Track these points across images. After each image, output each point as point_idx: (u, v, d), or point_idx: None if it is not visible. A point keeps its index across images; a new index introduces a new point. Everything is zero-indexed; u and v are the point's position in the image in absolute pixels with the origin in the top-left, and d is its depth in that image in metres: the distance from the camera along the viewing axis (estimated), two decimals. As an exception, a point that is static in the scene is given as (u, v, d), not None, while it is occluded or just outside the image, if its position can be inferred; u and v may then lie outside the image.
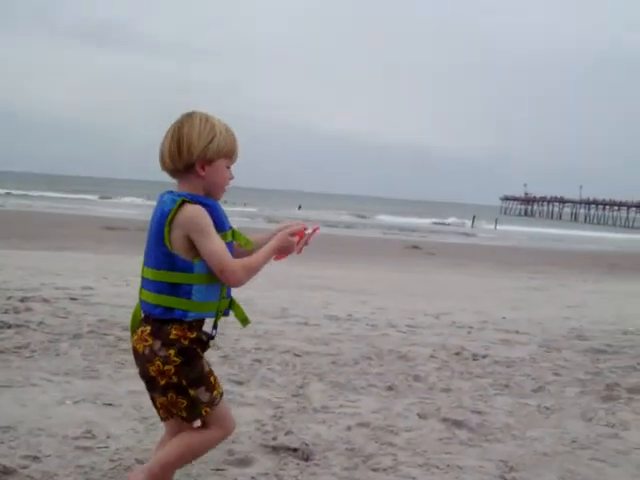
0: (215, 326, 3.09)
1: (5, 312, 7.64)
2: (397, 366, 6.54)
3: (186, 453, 3.07)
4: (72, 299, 8.92)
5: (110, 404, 4.91)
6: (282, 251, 3.05)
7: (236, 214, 40.17)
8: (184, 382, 2.90)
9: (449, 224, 64.74)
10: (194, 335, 2.94)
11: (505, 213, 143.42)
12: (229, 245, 2.98)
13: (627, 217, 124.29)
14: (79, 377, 5.53)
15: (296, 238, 3.08)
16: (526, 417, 5.23)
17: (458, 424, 4.94)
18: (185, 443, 3.04)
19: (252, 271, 2.94)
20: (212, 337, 3.09)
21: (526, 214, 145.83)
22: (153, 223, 2.94)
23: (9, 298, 8.49)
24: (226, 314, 3.11)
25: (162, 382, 2.91)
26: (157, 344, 2.88)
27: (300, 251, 3.13)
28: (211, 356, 6.35)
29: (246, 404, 5.10)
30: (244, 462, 3.98)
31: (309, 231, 3.13)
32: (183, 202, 2.86)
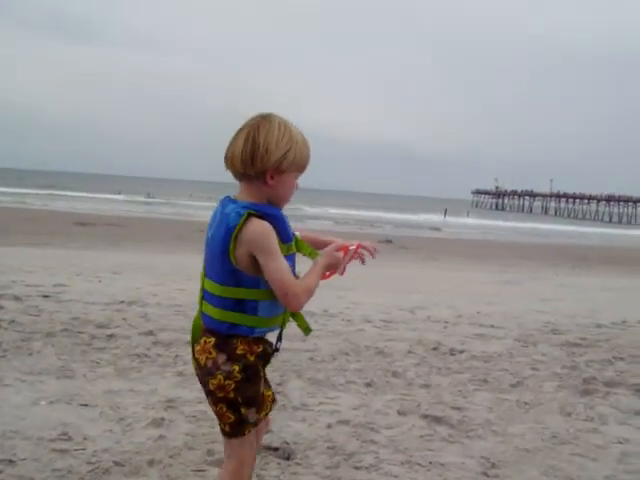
0: (279, 338, 2.97)
1: (-25, 311, 7.50)
2: (375, 362, 6.51)
3: None
4: (44, 296, 8.78)
5: (86, 405, 4.83)
6: (331, 267, 2.97)
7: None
8: (240, 399, 2.80)
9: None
10: (260, 349, 2.84)
11: (477, 206, 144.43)
12: (293, 256, 2.90)
13: (597, 210, 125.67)
14: (53, 377, 5.44)
15: (341, 253, 3.00)
16: (506, 412, 5.23)
17: (438, 420, 4.92)
18: None
19: (311, 293, 2.83)
20: (277, 349, 2.97)
21: (497, 208, 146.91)
22: (216, 237, 2.78)
23: (-21, 296, 8.34)
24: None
25: (219, 395, 2.81)
26: (222, 357, 2.78)
27: (343, 272, 3.04)
28: (187, 354, 6.28)
29: (224, 403, 5.04)
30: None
31: (352, 247, 3.03)
32: (249, 215, 2.71)
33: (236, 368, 2.76)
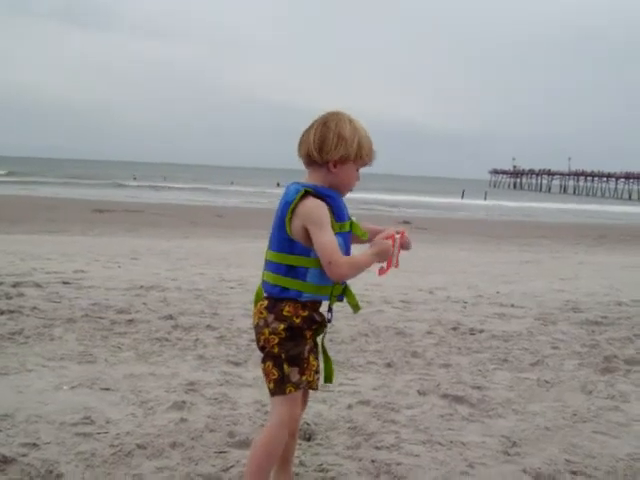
0: (330, 310, 3.21)
1: (-3, 298, 7.57)
2: (394, 342, 6.52)
3: (261, 458, 3.13)
4: (64, 283, 8.85)
5: (108, 389, 4.86)
6: (383, 254, 3.17)
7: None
8: (283, 355, 3.08)
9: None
10: (306, 313, 3.12)
11: (494, 186, 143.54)
12: (347, 235, 3.18)
13: (615, 188, 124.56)
14: (75, 362, 5.48)
15: (389, 242, 3.21)
16: (526, 391, 5.22)
17: (459, 400, 4.92)
18: (255, 453, 3.14)
19: (356, 269, 3.08)
20: (329, 320, 3.23)
21: (515, 187, 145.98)
22: (278, 211, 3.11)
23: (0, 284, 8.41)
24: (340, 300, 3.26)
25: (266, 350, 3.12)
26: (270, 317, 3.10)
27: (397, 265, 3.28)
28: (207, 337, 6.33)
29: (245, 385, 5.07)
30: (246, 444, 3.94)
31: (398, 235, 3.27)
32: (306, 193, 3.05)
33: (281, 326, 3.08)
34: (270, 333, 3.08)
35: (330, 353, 5.80)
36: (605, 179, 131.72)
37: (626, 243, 23.73)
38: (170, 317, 7.08)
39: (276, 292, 3.10)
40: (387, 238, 3.22)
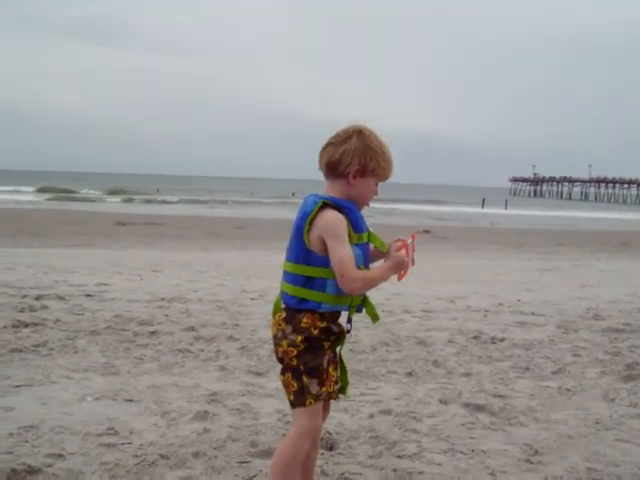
0: (349, 320, 3.23)
1: (21, 311, 7.66)
2: (416, 352, 6.52)
3: (282, 467, 3.14)
4: (87, 295, 8.93)
5: (131, 400, 4.91)
6: (398, 267, 3.19)
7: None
8: (302, 367, 3.09)
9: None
10: (324, 324, 3.11)
11: (515, 194, 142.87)
12: (365, 246, 3.18)
13: (637, 195, 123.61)
14: (98, 373, 5.54)
15: (403, 251, 3.22)
16: (548, 399, 5.21)
17: (480, 408, 4.92)
18: (277, 462, 3.14)
19: (369, 284, 3.11)
20: (348, 331, 3.24)
21: (535, 195, 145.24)
22: (295, 221, 3.13)
23: (24, 297, 8.51)
24: (359, 310, 3.25)
25: (285, 362, 3.13)
26: (289, 329, 3.10)
27: (413, 263, 3.31)
28: (229, 348, 6.37)
29: (267, 395, 5.10)
30: (268, 453, 3.96)
31: (410, 240, 3.29)
32: (324, 205, 3.07)
33: (299, 338, 3.08)
34: (288, 345, 3.09)
35: (351, 363, 5.85)
36: (627, 185, 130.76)
37: (649, 250, 23.52)
38: (192, 328, 7.13)
39: (294, 303, 3.11)
40: (400, 248, 3.23)
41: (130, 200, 56.07)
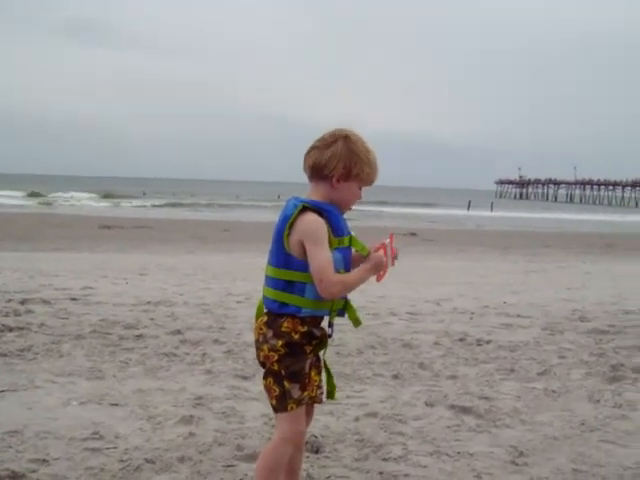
0: (330, 325, 3.21)
1: (6, 315, 7.61)
2: (401, 354, 6.53)
3: (265, 472, 3.14)
4: (72, 299, 8.89)
5: (116, 404, 4.89)
6: (376, 268, 3.18)
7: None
8: (283, 372, 3.07)
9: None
10: (305, 329, 3.10)
11: (501, 197, 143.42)
12: (346, 250, 3.16)
13: (622, 197, 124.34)
14: (83, 378, 5.51)
15: (381, 252, 3.22)
16: (533, 401, 5.22)
17: (466, 411, 4.93)
18: (260, 467, 3.16)
19: (348, 287, 3.10)
20: (329, 335, 3.22)
21: (521, 197, 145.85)
22: (277, 225, 3.12)
23: (9, 301, 8.46)
24: (341, 315, 3.25)
25: (267, 367, 3.13)
26: (270, 333, 3.10)
27: (393, 264, 3.30)
28: (214, 351, 6.35)
29: (252, 399, 5.09)
30: (254, 457, 3.94)
31: (387, 241, 3.28)
32: (304, 208, 3.05)
33: (279, 342, 3.07)
34: (269, 350, 3.08)
35: (337, 365, 5.85)
36: (612, 187, 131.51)
37: (634, 252, 23.66)
38: (178, 332, 7.11)
39: (275, 307, 3.09)
40: (378, 249, 3.23)
41: (117, 205, 55.87)
